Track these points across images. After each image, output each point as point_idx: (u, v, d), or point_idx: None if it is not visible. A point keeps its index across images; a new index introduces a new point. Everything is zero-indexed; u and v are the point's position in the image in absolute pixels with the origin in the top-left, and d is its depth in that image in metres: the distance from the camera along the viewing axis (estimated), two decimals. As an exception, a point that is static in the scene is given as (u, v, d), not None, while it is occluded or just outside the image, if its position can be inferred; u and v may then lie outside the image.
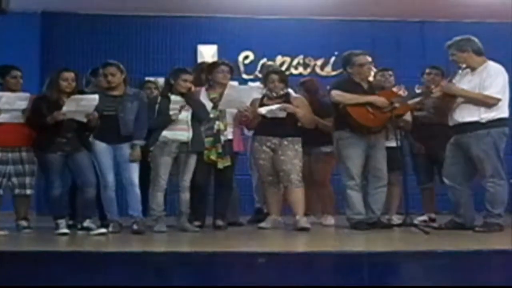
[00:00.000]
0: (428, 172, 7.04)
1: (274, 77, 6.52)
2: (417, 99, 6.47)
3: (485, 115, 5.74)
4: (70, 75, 5.95)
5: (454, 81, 6.02)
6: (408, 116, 6.57)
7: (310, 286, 4.20)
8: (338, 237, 5.99)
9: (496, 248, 4.61)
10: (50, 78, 6.02)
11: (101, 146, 5.99)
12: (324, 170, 6.93)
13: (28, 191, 6.13)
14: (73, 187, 6.28)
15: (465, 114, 5.81)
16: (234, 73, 7.05)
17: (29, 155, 6.06)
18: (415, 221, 6.25)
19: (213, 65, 6.76)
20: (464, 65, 5.97)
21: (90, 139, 6.01)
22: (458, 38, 5.96)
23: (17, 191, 6.08)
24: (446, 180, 6.05)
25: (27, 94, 6.06)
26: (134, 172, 6.00)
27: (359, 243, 5.34)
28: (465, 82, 5.91)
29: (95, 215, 6.21)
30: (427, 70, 7.03)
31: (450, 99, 5.91)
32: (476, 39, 5.92)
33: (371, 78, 6.66)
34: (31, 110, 5.95)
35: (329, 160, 6.81)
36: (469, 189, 5.99)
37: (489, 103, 5.73)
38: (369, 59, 6.30)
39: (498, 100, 5.73)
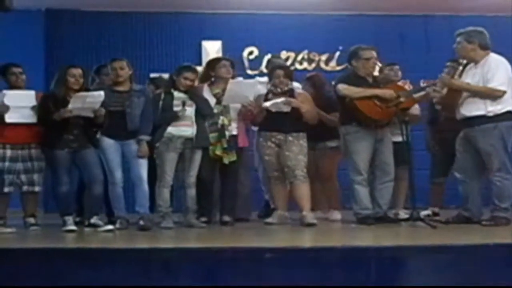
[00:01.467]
0: (443, 167, 7.01)
1: (280, 72, 6.52)
2: (423, 93, 6.47)
3: (492, 108, 5.71)
4: (77, 71, 5.97)
5: (457, 76, 6.00)
6: (416, 110, 6.56)
7: (316, 286, 4.21)
8: (345, 232, 5.99)
9: (503, 242, 4.61)
10: (57, 75, 6.04)
11: (108, 143, 6.01)
12: (330, 165, 6.92)
13: (37, 188, 6.12)
14: (81, 184, 6.30)
15: (472, 108, 5.79)
16: (239, 68, 7.05)
17: (38, 152, 6.05)
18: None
19: (215, 61, 6.77)
20: (464, 61, 5.94)
21: (98, 135, 6.03)
22: (470, 28, 5.91)
23: (25, 188, 6.07)
24: (457, 174, 6.04)
25: (32, 92, 6.07)
26: (142, 167, 6.02)
27: (366, 238, 5.34)
28: (469, 76, 5.89)
29: (102, 211, 6.23)
30: (447, 63, 6.95)
31: (456, 93, 5.89)
32: (486, 33, 5.89)
33: (376, 73, 6.63)
34: (38, 107, 5.95)
35: (334, 155, 6.80)
36: (479, 183, 5.97)
37: (494, 95, 5.70)
38: (375, 54, 6.29)
39: (503, 92, 5.70)
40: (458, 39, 5.92)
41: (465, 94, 5.84)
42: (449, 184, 6.78)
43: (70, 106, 5.79)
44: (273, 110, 6.34)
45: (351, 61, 6.36)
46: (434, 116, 7.01)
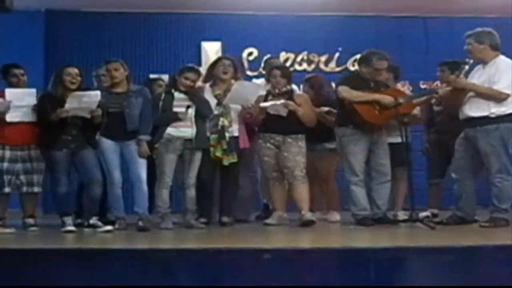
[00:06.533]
0: (439, 168, 7.02)
1: (276, 72, 6.52)
2: (423, 98, 6.49)
3: (495, 110, 5.72)
4: (73, 70, 5.97)
5: (462, 76, 6.00)
6: (415, 110, 6.54)
7: (315, 287, 4.21)
8: (344, 233, 5.99)
9: (502, 243, 4.61)
10: (54, 75, 6.04)
11: (107, 144, 6.00)
12: (328, 166, 6.92)
13: (36, 189, 6.10)
14: (81, 185, 6.29)
15: (475, 108, 5.79)
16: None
17: (38, 153, 6.04)
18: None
19: (217, 60, 6.77)
20: (472, 60, 5.93)
21: (97, 136, 6.03)
22: (479, 29, 5.91)
23: (24, 189, 6.05)
24: (453, 174, 6.05)
25: (33, 90, 6.06)
26: (142, 168, 6.01)
27: (365, 239, 5.34)
28: (475, 76, 5.90)
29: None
30: (439, 67, 6.97)
31: (460, 93, 5.89)
32: (496, 34, 5.90)
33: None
34: (37, 107, 5.95)
35: (333, 156, 6.80)
36: (473, 183, 5.98)
37: (498, 98, 5.71)
38: (386, 64, 6.23)
39: (508, 95, 5.70)
40: (468, 40, 5.91)
41: (469, 94, 5.85)
42: (448, 186, 6.78)
43: (67, 105, 5.79)
44: (272, 112, 6.35)
45: (361, 65, 6.31)
46: (430, 117, 7.01)
